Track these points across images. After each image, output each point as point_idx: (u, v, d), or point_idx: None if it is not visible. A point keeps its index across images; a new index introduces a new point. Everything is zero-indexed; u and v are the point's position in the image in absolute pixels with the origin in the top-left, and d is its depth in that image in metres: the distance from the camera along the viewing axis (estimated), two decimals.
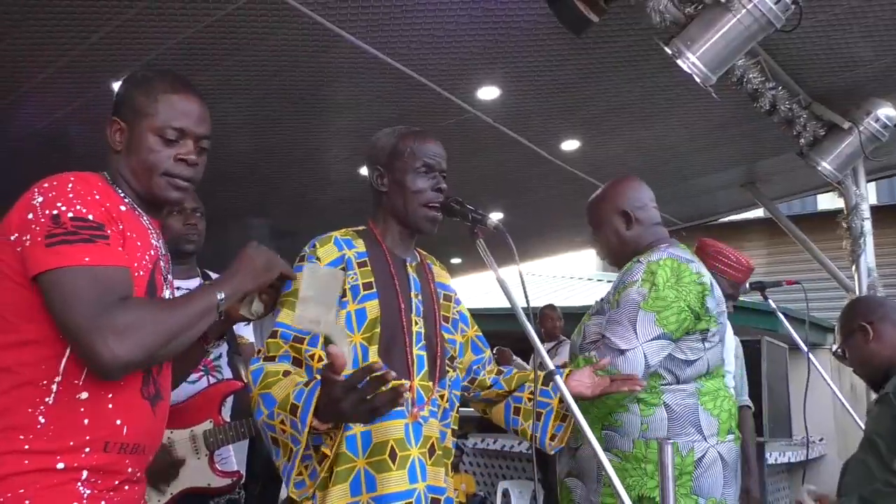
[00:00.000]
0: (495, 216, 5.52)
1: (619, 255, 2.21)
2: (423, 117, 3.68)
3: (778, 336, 5.33)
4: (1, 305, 1.25)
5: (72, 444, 1.23)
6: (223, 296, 1.37)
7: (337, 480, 1.58)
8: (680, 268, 2.06)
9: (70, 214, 1.24)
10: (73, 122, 3.53)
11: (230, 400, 2.43)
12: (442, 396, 1.79)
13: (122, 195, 1.39)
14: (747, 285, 3.05)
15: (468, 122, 3.81)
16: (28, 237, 1.22)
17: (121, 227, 1.30)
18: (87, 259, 1.22)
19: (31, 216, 1.23)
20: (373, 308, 1.67)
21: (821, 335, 8.70)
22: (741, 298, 6.08)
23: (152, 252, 1.37)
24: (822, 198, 8.46)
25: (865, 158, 3.85)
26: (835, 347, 2.14)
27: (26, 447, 1.21)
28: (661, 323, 1.99)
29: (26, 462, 1.20)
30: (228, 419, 2.34)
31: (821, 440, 7.54)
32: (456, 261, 6.59)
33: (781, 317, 3.04)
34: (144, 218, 1.41)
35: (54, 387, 1.23)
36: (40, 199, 1.25)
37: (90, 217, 1.25)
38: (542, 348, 1.55)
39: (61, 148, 3.63)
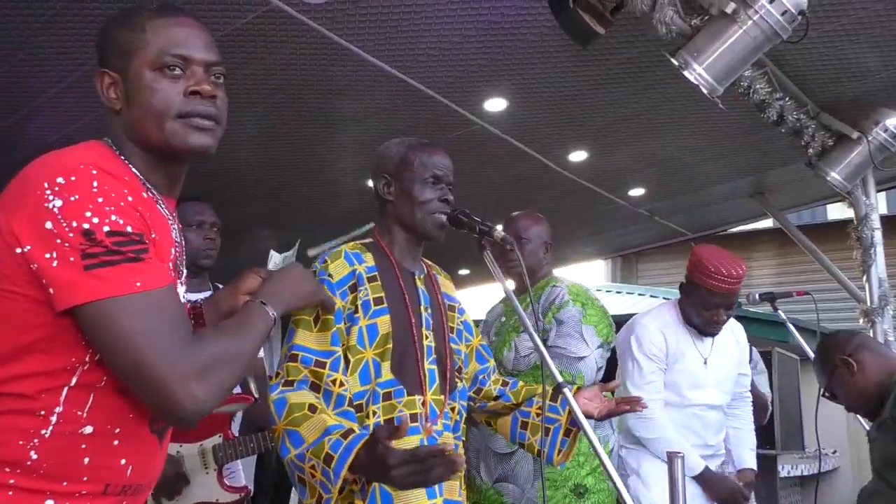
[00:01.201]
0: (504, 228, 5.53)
1: (531, 273, 2.67)
2: (431, 129, 3.70)
3: (789, 347, 5.31)
4: (1, 330, 1.04)
5: (65, 484, 1.04)
6: (275, 315, 1.23)
7: (353, 497, 1.57)
8: (588, 292, 2.68)
9: (106, 229, 1.00)
10: (84, 138, 3.54)
11: (239, 415, 2.43)
12: (453, 409, 1.79)
13: (135, 172, 1.15)
14: (757, 296, 3.03)
15: (475, 133, 3.82)
16: (53, 254, 0.99)
17: (153, 234, 1.08)
18: (137, 284, 1.01)
19: (50, 226, 0.99)
20: (384, 323, 1.66)
21: None
22: (751, 309, 6.07)
23: (173, 250, 1.17)
24: (831, 208, 8.43)
25: (875, 168, 3.83)
26: (822, 391, 2.14)
27: (11, 481, 1.02)
28: (600, 334, 2.55)
29: (10, 493, 1.02)
30: (238, 434, 2.35)
31: (834, 452, 7.46)
32: (464, 272, 6.59)
33: (791, 328, 3.02)
34: (161, 203, 1.18)
35: (53, 418, 1.03)
36: (58, 202, 1.00)
37: (128, 229, 1.03)
38: (550, 361, 1.55)
39: None
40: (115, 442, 1.08)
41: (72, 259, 0.99)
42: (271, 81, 3.25)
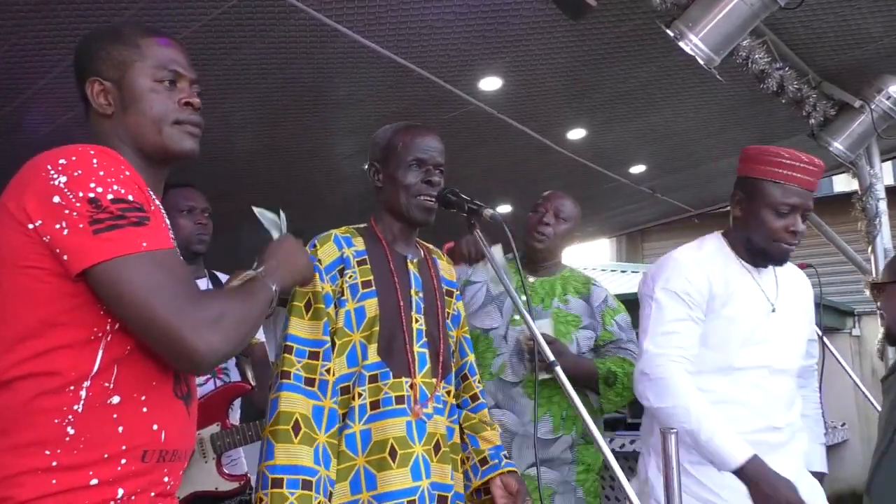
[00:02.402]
0: (503, 209, 5.49)
1: (548, 256, 2.63)
2: (426, 111, 3.65)
3: None
4: (21, 307, 1.09)
5: (106, 455, 1.09)
6: (276, 288, 1.27)
7: (337, 479, 1.57)
8: None
9: (110, 196, 1.08)
10: (76, 128, 3.52)
11: (238, 403, 2.42)
12: (448, 392, 1.78)
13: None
14: None
15: (471, 113, 3.78)
16: (63, 224, 1.06)
17: (152, 207, 1.16)
18: (144, 244, 1.08)
19: (57, 199, 1.07)
20: (371, 306, 1.66)
21: (839, 319, 8.59)
22: None
23: (171, 237, 1.22)
24: (837, 180, 8.34)
25: (879, 137, 3.77)
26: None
27: (54, 464, 1.05)
28: None
29: (54, 482, 1.05)
30: (238, 422, 2.34)
31: (843, 425, 7.44)
32: None
33: None
34: (154, 199, 1.24)
35: (83, 392, 1.08)
36: (63, 178, 1.08)
37: (130, 197, 1.11)
38: (541, 339, 1.53)
39: None
40: (144, 409, 1.13)
41: (81, 226, 1.06)
42: (262, 66, 3.21)
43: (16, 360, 1.07)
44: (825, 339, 2.87)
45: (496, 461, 1.82)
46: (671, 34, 2.57)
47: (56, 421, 1.07)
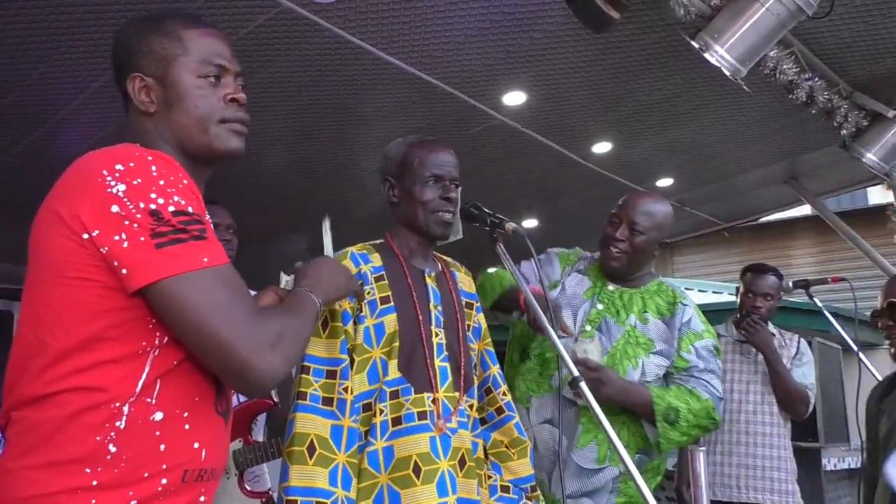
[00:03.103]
0: (529, 223, 5.47)
1: (632, 269, 2.30)
2: (451, 126, 3.66)
3: (830, 337, 5.14)
4: (69, 320, 1.04)
5: (146, 474, 1.04)
6: (320, 302, 1.26)
7: (359, 498, 1.56)
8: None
9: (171, 209, 1.04)
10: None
11: (262, 418, 2.42)
12: (471, 406, 1.76)
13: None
14: (790, 284, 2.94)
15: (495, 128, 3.78)
16: (122, 236, 1.01)
17: (207, 217, 1.12)
18: (205, 260, 1.05)
19: (117, 209, 1.02)
20: (391, 322, 1.65)
21: (876, 334, 8.35)
22: (789, 299, 5.93)
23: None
24: (872, 192, 8.16)
25: None
26: None
27: (94, 483, 1.00)
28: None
29: (93, 502, 1.00)
30: (261, 438, 2.34)
31: None
32: (491, 270, 6.54)
33: (829, 315, 2.93)
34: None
35: (126, 408, 1.03)
36: (122, 186, 1.03)
37: (190, 209, 1.06)
38: (565, 354, 1.50)
39: None
40: (186, 426, 1.09)
41: (142, 239, 1.02)
42: (290, 84, 3.26)
43: (61, 374, 1.03)
44: (861, 354, 2.80)
45: (515, 497, 1.81)
46: (696, 46, 2.54)
47: (98, 438, 1.02)
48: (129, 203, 1.02)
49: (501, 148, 4.04)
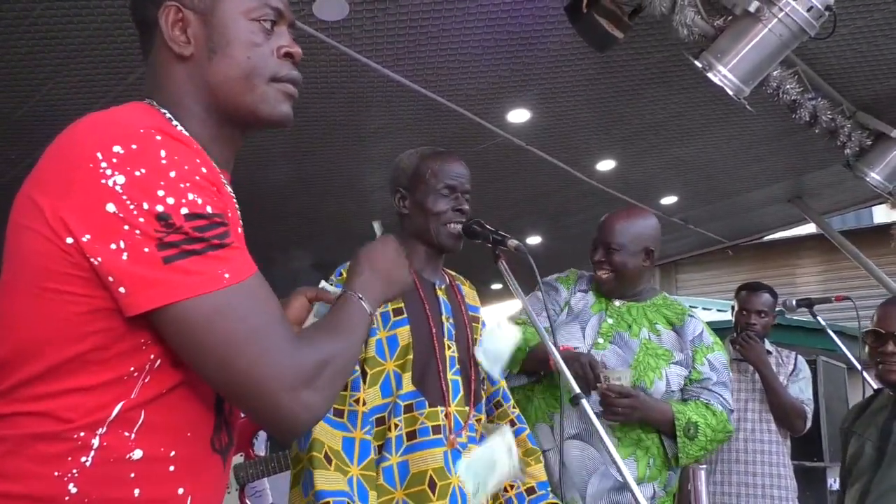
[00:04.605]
0: (533, 240, 5.48)
1: (627, 284, 2.29)
2: (455, 143, 3.68)
3: (835, 356, 5.12)
4: (44, 340, 0.83)
5: None
6: (371, 311, 1.04)
7: None
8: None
9: (184, 210, 0.81)
10: None
11: (264, 434, 2.42)
12: (479, 420, 1.75)
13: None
14: (794, 302, 2.93)
15: (500, 146, 3.80)
16: (121, 245, 0.80)
17: (229, 213, 0.89)
18: (226, 276, 0.83)
19: (113, 209, 0.80)
20: (404, 334, 1.64)
21: None
22: (793, 317, 5.91)
23: (239, 230, 0.96)
24: (877, 210, 8.16)
25: None
26: None
27: None
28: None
29: None
30: (263, 452, 2.34)
31: None
32: (496, 286, 6.54)
33: (833, 334, 2.91)
34: (224, 178, 0.96)
35: (95, 441, 0.83)
36: (120, 178, 0.80)
37: (208, 209, 0.84)
38: (567, 372, 1.50)
39: None
40: (171, 468, 0.87)
41: (146, 250, 0.80)
42: (296, 99, 3.28)
43: (24, 396, 0.84)
44: (865, 373, 2.78)
45: (543, 491, 1.80)
46: (699, 65, 2.56)
47: (56, 474, 0.82)
48: (129, 202, 0.80)
49: (505, 165, 4.06)
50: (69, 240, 0.81)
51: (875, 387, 2.83)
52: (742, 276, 9.00)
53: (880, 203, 5.01)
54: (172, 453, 0.87)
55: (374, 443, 1.58)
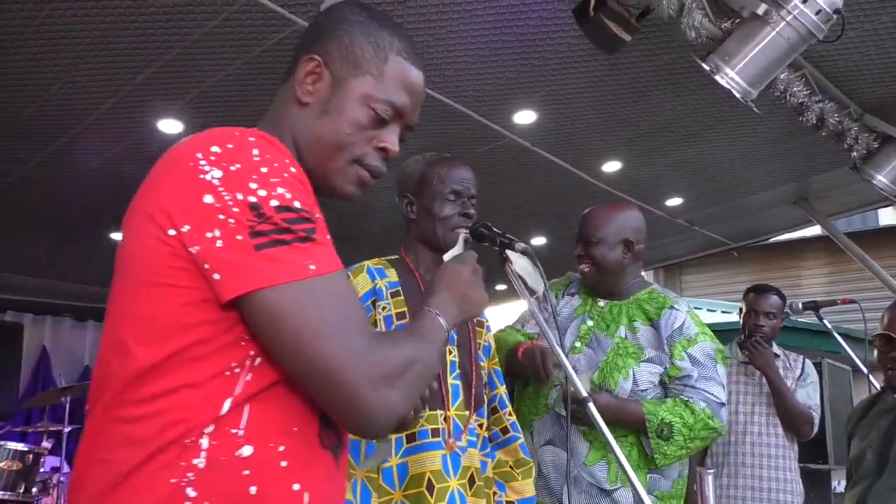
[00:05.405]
0: (538, 242, 5.47)
1: (611, 278, 2.27)
2: (460, 144, 3.69)
3: (840, 358, 5.11)
4: (151, 335, 0.86)
5: None
6: (447, 328, 1.03)
7: None
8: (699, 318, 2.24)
9: (274, 203, 0.85)
10: (124, 161, 3.65)
11: None
12: (481, 425, 1.76)
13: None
14: (800, 305, 2.93)
15: (506, 147, 3.80)
16: (216, 233, 0.83)
17: (317, 214, 0.93)
18: (312, 267, 0.86)
19: (210, 200, 0.84)
20: None
21: None
22: (799, 319, 5.91)
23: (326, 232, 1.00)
24: (883, 213, 8.14)
25: None
26: None
27: None
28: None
29: None
30: None
31: None
32: (500, 287, 6.55)
33: (838, 337, 2.91)
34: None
35: (204, 441, 0.84)
36: (217, 172, 0.85)
37: (296, 204, 0.87)
38: (573, 374, 1.51)
39: (115, 185, 3.75)
40: (283, 462, 0.87)
41: (239, 237, 0.83)
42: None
43: (139, 398, 0.85)
44: (871, 376, 2.78)
45: None
46: (707, 68, 2.55)
47: (173, 481, 0.82)
48: (224, 192, 0.84)
49: (512, 166, 4.07)
50: (171, 231, 0.85)
51: (879, 386, 2.83)
52: (747, 277, 8.99)
53: (887, 205, 5.00)
54: (282, 448, 0.87)
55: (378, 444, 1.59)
